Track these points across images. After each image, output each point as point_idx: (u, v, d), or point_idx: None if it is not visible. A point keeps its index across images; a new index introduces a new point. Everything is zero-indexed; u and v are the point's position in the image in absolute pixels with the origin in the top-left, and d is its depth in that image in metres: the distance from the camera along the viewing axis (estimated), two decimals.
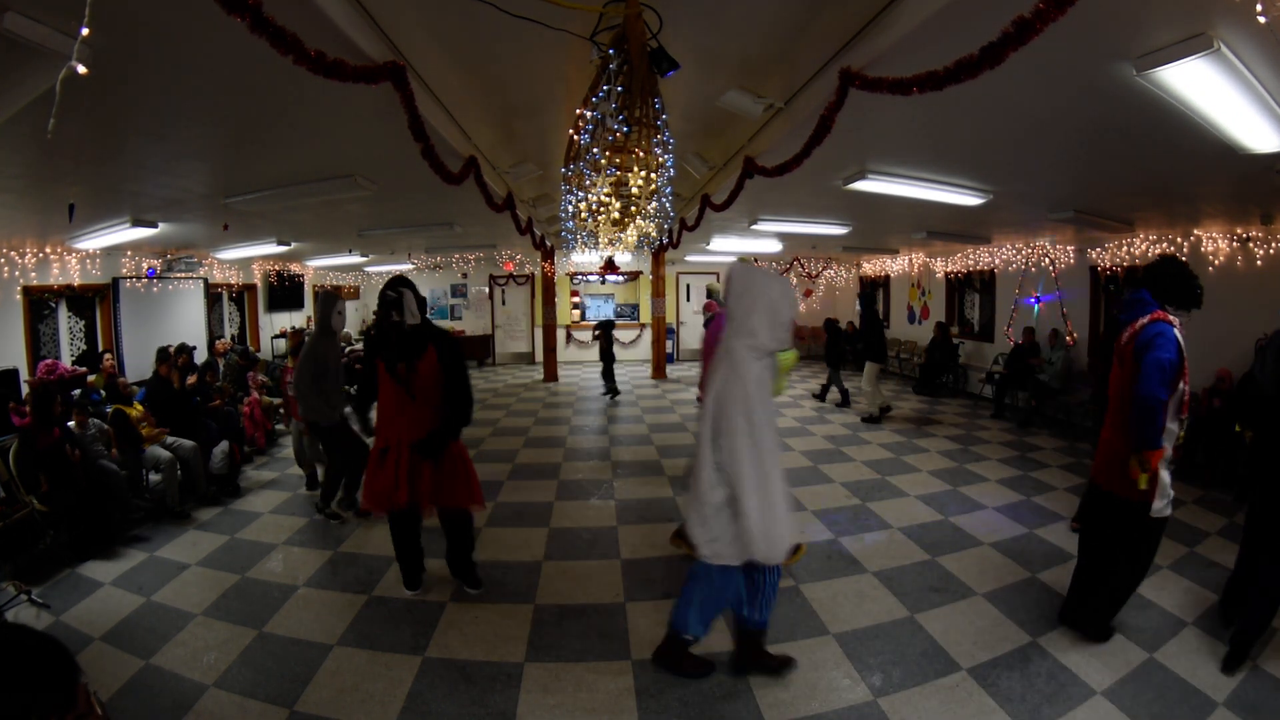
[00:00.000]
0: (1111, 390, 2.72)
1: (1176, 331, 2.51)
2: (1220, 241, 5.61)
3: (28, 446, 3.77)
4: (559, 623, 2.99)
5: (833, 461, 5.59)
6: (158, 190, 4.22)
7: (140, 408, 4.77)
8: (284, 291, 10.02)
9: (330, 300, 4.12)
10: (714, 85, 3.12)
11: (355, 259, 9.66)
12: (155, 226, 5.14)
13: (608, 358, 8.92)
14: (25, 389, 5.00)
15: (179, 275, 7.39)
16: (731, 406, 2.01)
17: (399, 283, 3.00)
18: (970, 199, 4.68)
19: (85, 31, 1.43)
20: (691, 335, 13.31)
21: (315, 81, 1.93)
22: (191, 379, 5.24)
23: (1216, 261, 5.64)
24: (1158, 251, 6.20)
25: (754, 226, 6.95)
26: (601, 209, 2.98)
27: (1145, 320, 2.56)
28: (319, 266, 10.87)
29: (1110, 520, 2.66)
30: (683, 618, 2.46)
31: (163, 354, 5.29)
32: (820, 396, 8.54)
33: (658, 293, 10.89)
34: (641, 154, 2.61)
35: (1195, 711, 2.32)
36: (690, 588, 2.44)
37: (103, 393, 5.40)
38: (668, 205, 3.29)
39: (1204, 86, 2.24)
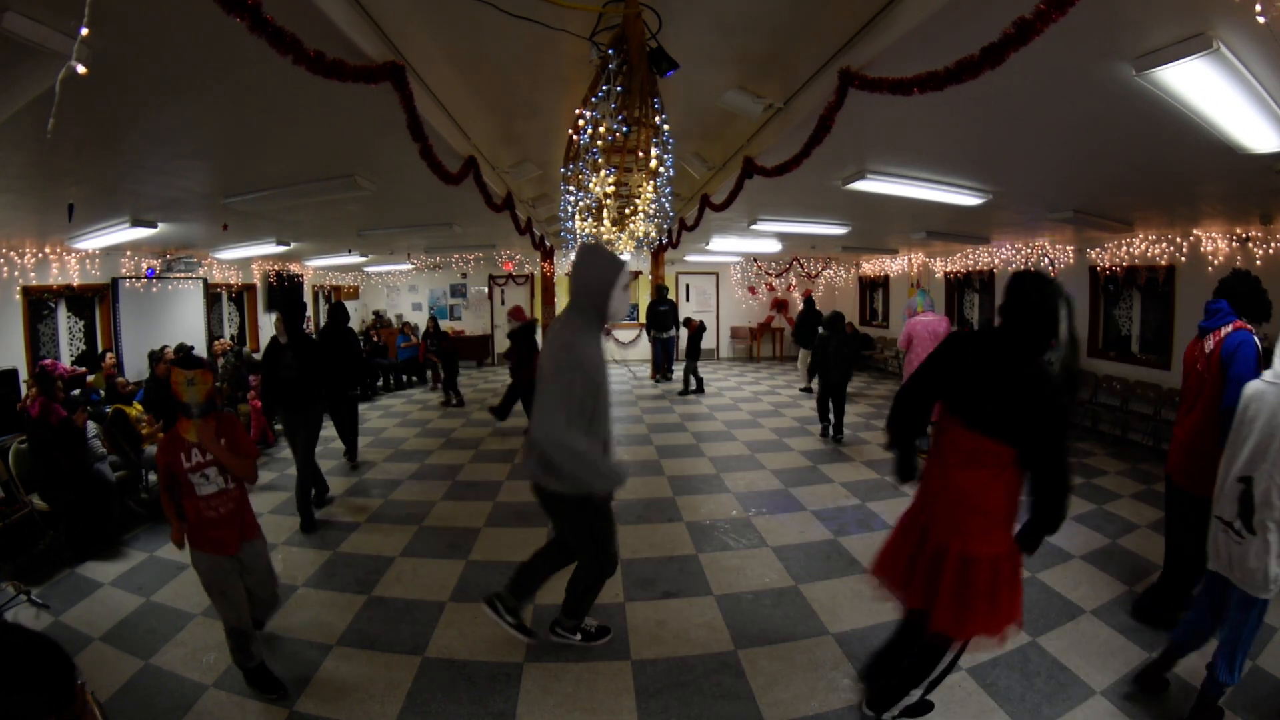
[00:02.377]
0: (1189, 393, 2.80)
1: (1256, 339, 2.62)
2: (1220, 241, 5.61)
3: (41, 428, 3.82)
4: None
5: (832, 461, 5.59)
6: (157, 190, 4.21)
7: (139, 407, 4.77)
8: (284, 291, 10.01)
9: (596, 256, 2.33)
10: (714, 85, 3.12)
11: (355, 259, 9.66)
12: (155, 226, 5.15)
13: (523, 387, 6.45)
14: (25, 390, 5.00)
15: (178, 275, 7.39)
16: None
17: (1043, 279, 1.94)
18: (970, 199, 4.68)
19: (85, 31, 1.43)
20: None
21: (315, 81, 1.93)
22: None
23: (1216, 262, 5.64)
24: (1156, 251, 6.21)
25: (753, 226, 6.96)
26: (601, 209, 2.98)
27: (1228, 329, 2.65)
28: (319, 266, 10.87)
29: (1184, 515, 2.78)
30: (1238, 666, 2.14)
31: (155, 356, 5.30)
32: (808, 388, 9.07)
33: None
34: (641, 154, 2.62)
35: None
36: (1236, 629, 2.14)
37: (102, 393, 5.40)
38: (667, 205, 3.30)
39: (1203, 86, 2.24)
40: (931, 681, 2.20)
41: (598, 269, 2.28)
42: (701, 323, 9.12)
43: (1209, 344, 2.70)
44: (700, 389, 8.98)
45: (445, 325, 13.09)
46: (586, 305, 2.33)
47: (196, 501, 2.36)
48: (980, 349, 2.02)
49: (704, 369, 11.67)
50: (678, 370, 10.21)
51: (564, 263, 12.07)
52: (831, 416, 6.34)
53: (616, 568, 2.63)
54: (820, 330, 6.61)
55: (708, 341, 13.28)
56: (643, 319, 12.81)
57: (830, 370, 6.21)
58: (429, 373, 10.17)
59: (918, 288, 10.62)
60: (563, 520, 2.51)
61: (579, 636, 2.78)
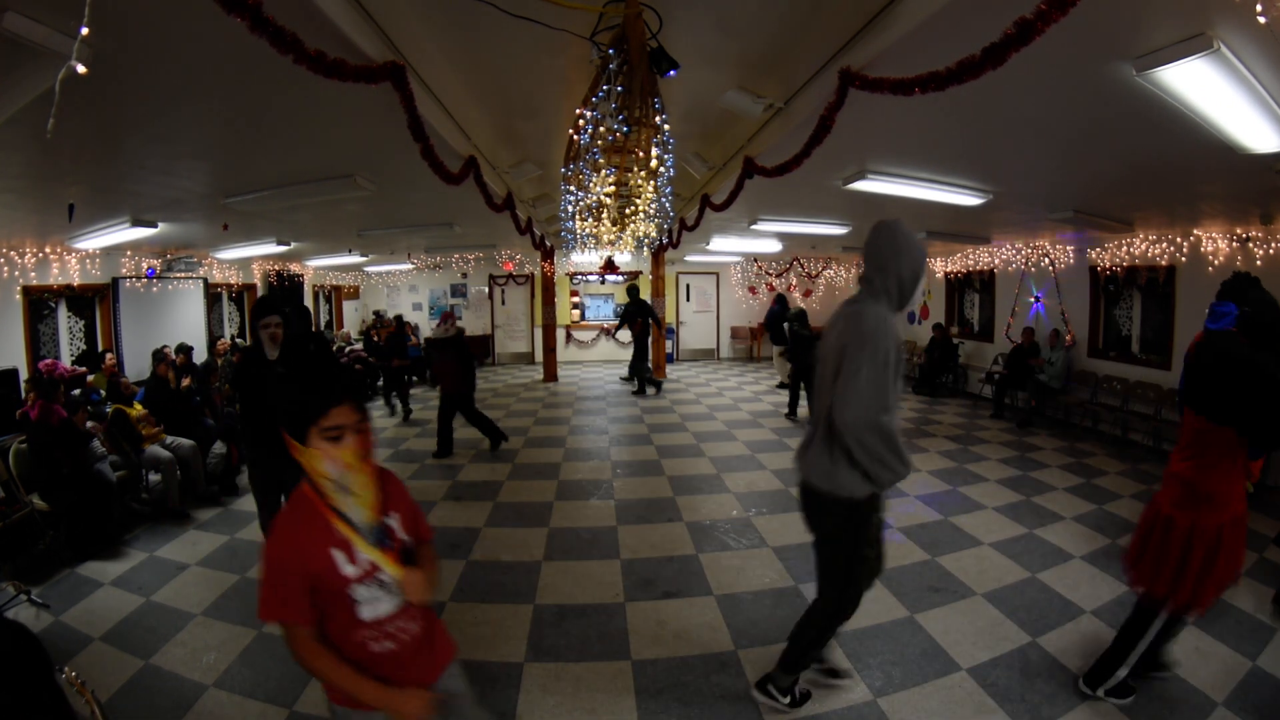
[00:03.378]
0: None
1: None
2: (1220, 241, 5.61)
3: (42, 430, 3.81)
4: (559, 623, 2.99)
5: None
6: (157, 190, 4.21)
7: (140, 407, 4.77)
8: (284, 291, 10.00)
9: (909, 242, 2.06)
10: (714, 85, 3.12)
11: (355, 259, 9.65)
12: (155, 226, 5.14)
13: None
14: (24, 392, 5.00)
15: (179, 275, 7.39)
16: None
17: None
18: (970, 199, 4.68)
19: (85, 31, 1.43)
20: (692, 335, 13.30)
21: (315, 81, 1.93)
22: (186, 381, 5.20)
23: (1216, 262, 5.64)
24: (1157, 251, 6.21)
25: (754, 226, 6.96)
26: (601, 209, 2.98)
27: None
28: (319, 266, 10.87)
29: None
30: None
31: (158, 355, 5.30)
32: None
33: (657, 293, 10.88)
34: (641, 154, 2.62)
35: (1195, 711, 2.32)
36: None
37: (103, 393, 5.40)
38: (668, 205, 3.30)
39: (1204, 86, 2.24)
40: (1146, 652, 2.34)
41: (911, 256, 2.01)
42: (644, 322, 8.86)
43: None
44: (655, 389, 9.13)
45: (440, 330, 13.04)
46: (889, 291, 2.03)
47: (357, 633, 1.33)
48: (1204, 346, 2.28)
49: (705, 369, 11.78)
50: (678, 371, 10.19)
51: (564, 263, 12.08)
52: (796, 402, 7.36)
53: (854, 612, 2.23)
54: (786, 325, 7.62)
55: (707, 341, 13.32)
56: None
57: (799, 360, 7.15)
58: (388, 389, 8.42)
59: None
60: (823, 531, 2.17)
61: (788, 700, 2.34)
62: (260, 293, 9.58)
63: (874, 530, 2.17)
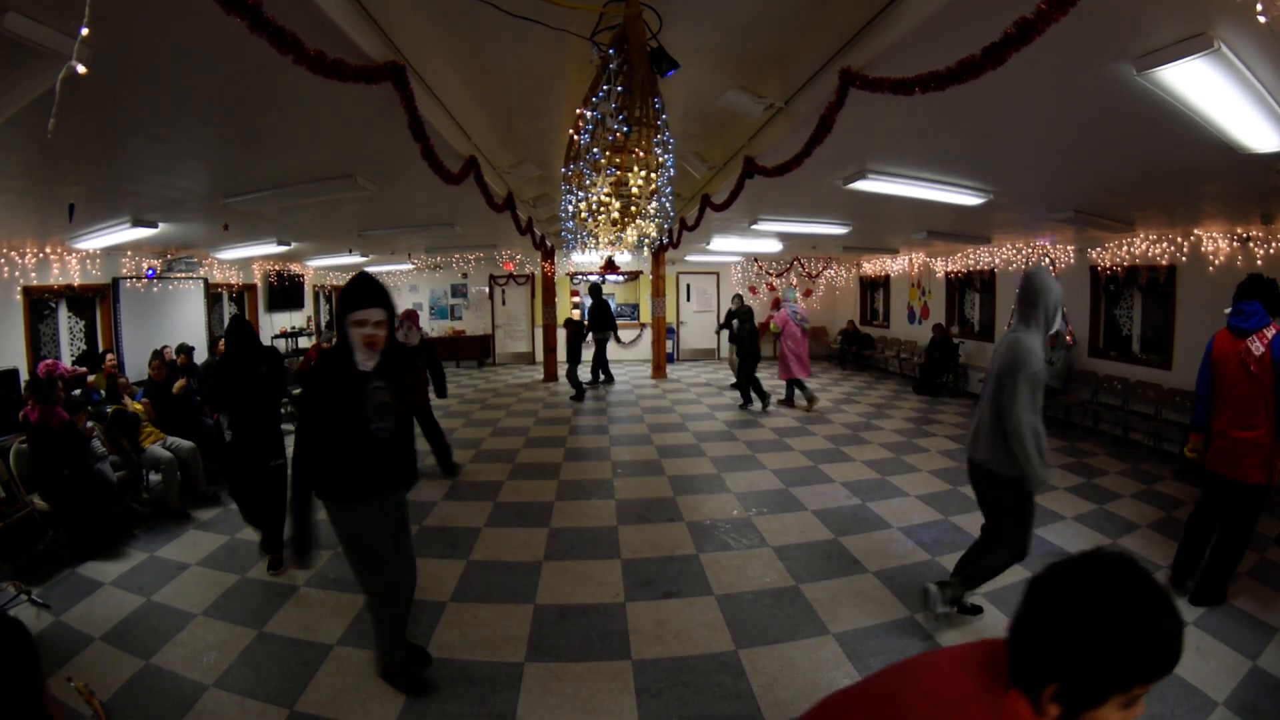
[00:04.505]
0: (1237, 391, 2.95)
1: None
2: (1220, 241, 5.60)
3: (42, 432, 3.80)
4: (559, 623, 2.99)
5: (833, 461, 5.59)
6: (158, 190, 4.22)
7: (140, 406, 4.78)
8: (284, 291, 10.01)
9: (1050, 281, 2.74)
10: (714, 85, 3.12)
11: (356, 259, 9.66)
12: (155, 226, 5.15)
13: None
14: (25, 394, 5.00)
15: (179, 275, 7.40)
16: None
17: None
18: (970, 199, 4.68)
19: (85, 31, 1.43)
20: (692, 335, 13.31)
21: (315, 81, 1.93)
22: (181, 382, 5.19)
23: (1217, 261, 5.63)
24: (1157, 251, 6.21)
25: (754, 226, 6.96)
26: (601, 209, 2.98)
27: (1271, 331, 2.85)
28: (319, 266, 10.88)
29: (1235, 503, 3.00)
30: None
31: (155, 356, 5.31)
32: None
33: (658, 293, 10.88)
34: (641, 154, 2.61)
35: (1195, 711, 2.32)
36: None
37: (103, 393, 5.40)
38: (668, 205, 3.29)
39: (1204, 86, 2.24)
40: None
41: (1055, 292, 2.69)
42: (575, 320, 8.87)
43: (1255, 345, 2.82)
44: (580, 396, 8.65)
45: (446, 327, 13.05)
46: (1038, 319, 2.70)
47: None
48: None
49: (705, 369, 11.79)
50: (679, 371, 10.11)
51: (564, 263, 12.08)
52: (753, 392, 7.90)
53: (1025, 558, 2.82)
54: (735, 322, 8.05)
55: (708, 341, 13.31)
56: (644, 318, 12.86)
57: (745, 352, 7.82)
58: None
59: (919, 288, 10.68)
60: (1001, 501, 2.79)
61: (954, 608, 2.93)
62: (261, 292, 9.57)
63: (1032, 501, 2.76)
